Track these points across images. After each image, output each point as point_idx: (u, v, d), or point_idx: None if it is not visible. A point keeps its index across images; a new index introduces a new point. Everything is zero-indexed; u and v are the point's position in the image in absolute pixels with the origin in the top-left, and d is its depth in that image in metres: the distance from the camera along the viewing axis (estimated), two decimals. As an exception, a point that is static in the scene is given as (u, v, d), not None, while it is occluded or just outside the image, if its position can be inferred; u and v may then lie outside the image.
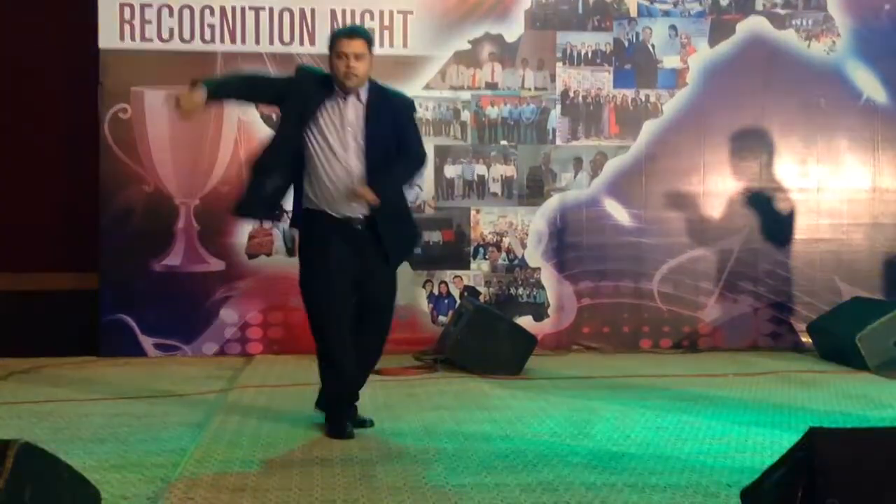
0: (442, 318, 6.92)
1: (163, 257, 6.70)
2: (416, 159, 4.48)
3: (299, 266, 4.42)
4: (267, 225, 6.74)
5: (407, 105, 4.53)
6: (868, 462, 2.54)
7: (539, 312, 7.08)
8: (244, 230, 6.74)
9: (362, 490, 3.55)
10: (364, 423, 4.51)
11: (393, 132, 4.36)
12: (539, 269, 7.10)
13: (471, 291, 7.01)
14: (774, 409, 4.99)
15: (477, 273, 7.05)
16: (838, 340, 6.43)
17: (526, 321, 6.87)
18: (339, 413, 4.45)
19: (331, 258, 4.30)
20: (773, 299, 7.19)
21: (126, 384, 5.70)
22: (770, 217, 7.22)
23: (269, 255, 6.79)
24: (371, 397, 5.05)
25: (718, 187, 7.19)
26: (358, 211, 4.32)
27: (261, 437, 4.36)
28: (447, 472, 3.80)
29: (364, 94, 4.34)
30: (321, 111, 4.30)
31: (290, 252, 5.86)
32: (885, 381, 5.80)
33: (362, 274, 4.36)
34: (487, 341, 6.10)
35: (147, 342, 6.67)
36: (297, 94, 4.33)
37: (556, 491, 3.55)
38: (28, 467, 2.41)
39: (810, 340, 6.93)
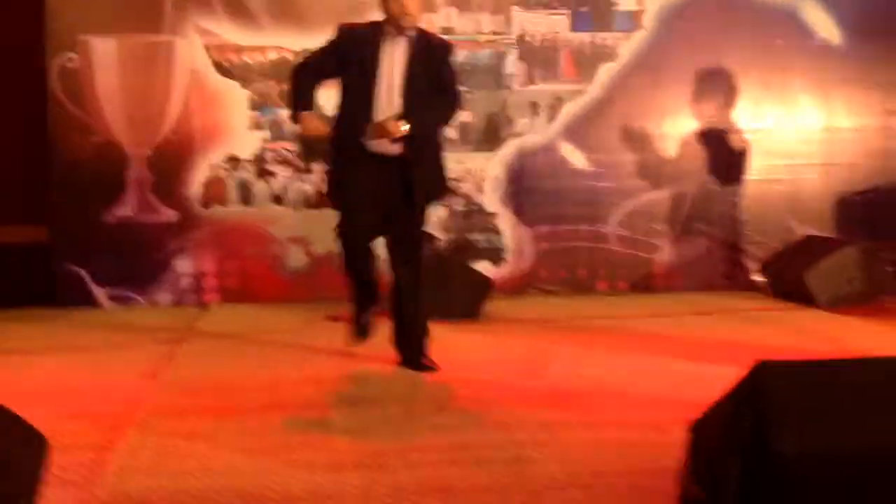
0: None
1: (115, 208, 6.61)
2: (453, 101, 4.60)
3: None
4: (222, 173, 6.67)
5: (446, 48, 4.65)
6: (815, 395, 2.56)
7: (496, 257, 7.08)
8: (198, 180, 6.66)
9: (317, 434, 3.56)
10: (431, 367, 4.58)
11: (432, 74, 4.51)
12: (496, 214, 7.09)
13: (427, 237, 6.98)
14: (726, 346, 5.06)
15: (434, 219, 7.02)
16: (790, 278, 6.52)
17: (483, 266, 6.88)
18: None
19: (359, 189, 4.46)
20: (727, 240, 7.25)
21: (80, 335, 5.65)
22: (725, 158, 7.25)
23: (223, 204, 6.72)
24: (328, 343, 5.06)
25: (675, 130, 7.20)
26: (391, 147, 4.43)
27: (216, 384, 4.35)
28: (402, 415, 3.82)
29: (413, 34, 4.50)
30: (380, 54, 4.46)
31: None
32: (835, 317, 5.90)
33: (391, 209, 4.51)
34: (444, 286, 6.09)
35: (101, 293, 6.59)
36: (353, 49, 4.48)
37: (509, 429, 3.58)
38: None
39: (763, 279, 7.01)
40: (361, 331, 4.76)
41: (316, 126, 4.48)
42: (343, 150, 4.52)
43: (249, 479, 3.04)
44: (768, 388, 2.55)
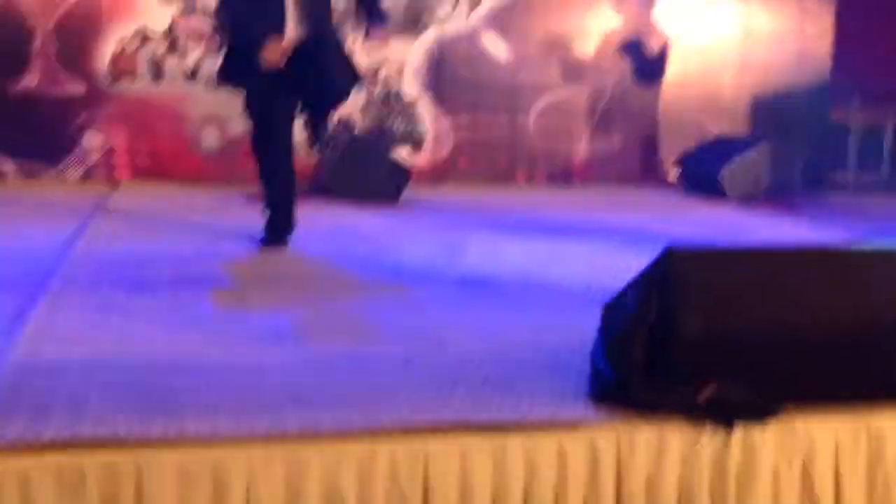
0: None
1: (18, 79, 6.33)
2: None
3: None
4: (131, 48, 6.42)
5: None
6: (722, 280, 2.65)
7: (415, 144, 7.04)
8: (106, 53, 6.41)
9: (233, 309, 3.55)
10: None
11: None
12: (416, 101, 7.02)
13: (347, 123, 6.89)
14: (639, 236, 5.17)
15: (353, 105, 6.91)
16: (703, 174, 6.66)
17: (402, 153, 6.83)
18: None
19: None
20: (643, 136, 7.33)
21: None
22: (644, 57, 7.28)
23: (132, 79, 6.48)
24: (246, 223, 5.00)
25: (596, 26, 7.17)
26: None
27: (130, 259, 4.28)
28: (318, 293, 3.83)
29: None
30: None
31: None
32: (745, 213, 6.08)
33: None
34: (362, 171, 6.06)
35: (7, 166, 6.36)
36: None
37: (426, 309, 3.62)
38: None
39: (677, 175, 7.14)
40: (277, 238, 4.62)
41: (277, 60, 4.34)
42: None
43: (165, 351, 3.01)
44: (675, 272, 2.63)
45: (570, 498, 2.56)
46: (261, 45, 4.32)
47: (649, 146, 7.38)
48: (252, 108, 4.51)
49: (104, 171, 6.50)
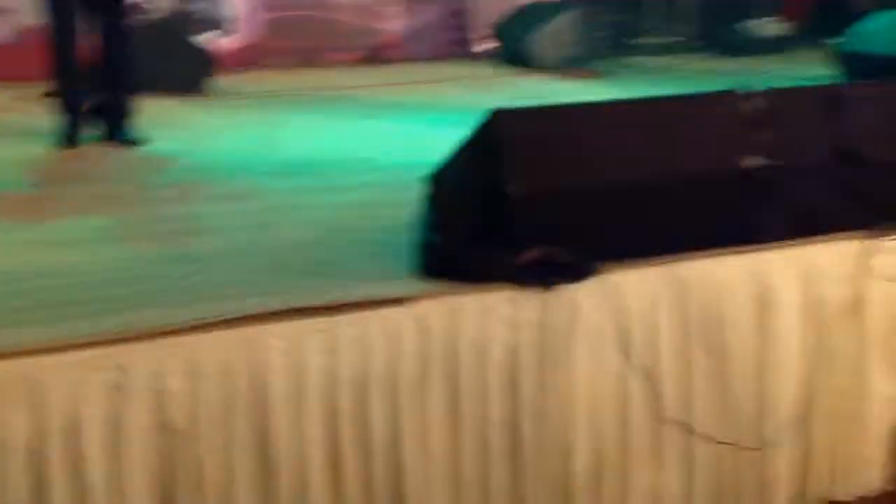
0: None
1: None
2: None
3: None
4: None
5: None
6: (547, 139, 2.69)
7: (221, 28, 6.74)
8: None
9: (34, 212, 3.37)
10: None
11: None
12: (218, -20, 6.69)
13: (141, 7, 6.50)
14: (457, 110, 5.17)
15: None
16: (517, 43, 6.70)
17: (207, 38, 6.53)
18: None
19: None
20: (447, 7, 7.26)
21: None
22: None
23: None
24: (44, 122, 4.69)
25: None
26: None
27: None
28: (130, 190, 3.68)
29: None
30: None
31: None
32: (560, 81, 6.17)
33: None
34: (159, 58, 5.72)
35: None
36: None
37: (245, 199, 3.53)
38: None
39: (491, 48, 7.15)
40: (68, 138, 4.38)
41: None
42: None
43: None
44: (501, 134, 2.65)
45: (401, 371, 2.60)
46: None
47: (463, 17, 7.33)
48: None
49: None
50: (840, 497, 3.05)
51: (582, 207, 2.71)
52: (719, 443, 2.86)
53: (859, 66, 5.25)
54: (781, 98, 2.95)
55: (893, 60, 4.91)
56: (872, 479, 3.10)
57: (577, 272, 2.74)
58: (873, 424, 3.06)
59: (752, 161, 2.85)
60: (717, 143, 2.83)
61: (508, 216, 2.65)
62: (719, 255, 2.83)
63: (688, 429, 2.83)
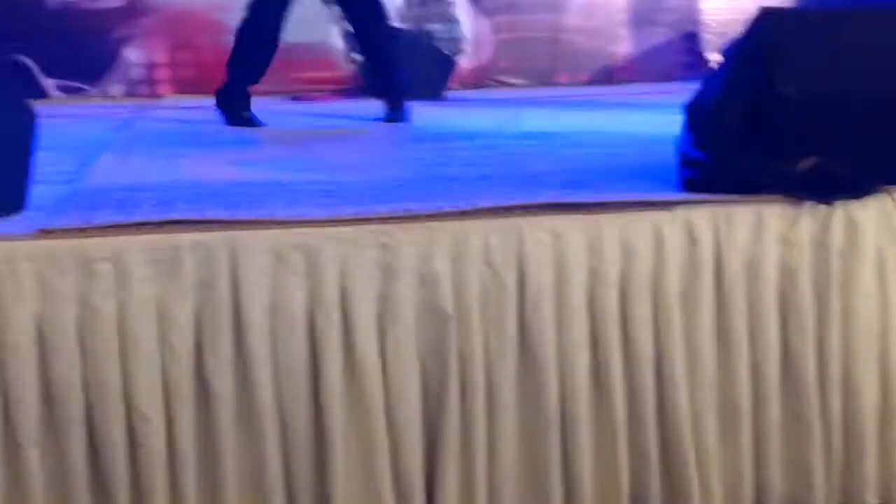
0: (356, 56, 6.71)
1: (56, -7, 6.29)
2: None
3: None
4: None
5: None
6: (822, 43, 2.54)
7: (455, 48, 6.93)
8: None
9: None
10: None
11: None
12: (453, 3, 6.90)
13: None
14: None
15: (390, 8, 6.80)
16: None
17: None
18: None
19: None
20: (679, 30, 7.17)
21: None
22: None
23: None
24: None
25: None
26: None
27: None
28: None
29: None
30: None
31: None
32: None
33: None
34: (406, 64, 5.94)
35: (49, 84, 6.33)
36: None
37: (499, 149, 3.56)
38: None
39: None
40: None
41: None
42: None
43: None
44: (772, 34, 2.52)
45: (668, 281, 2.49)
46: None
47: (693, 42, 7.22)
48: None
49: (146, 86, 6.45)
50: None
51: (862, 117, 2.53)
52: None
53: None
54: None
55: None
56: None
57: (858, 188, 2.55)
58: None
59: None
60: None
61: (779, 121, 2.50)
62: None
63: None
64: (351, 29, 5.04)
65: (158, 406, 2.21)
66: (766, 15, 2.53)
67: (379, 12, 4.83)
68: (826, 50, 2.53)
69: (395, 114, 4.68)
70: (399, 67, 4.83)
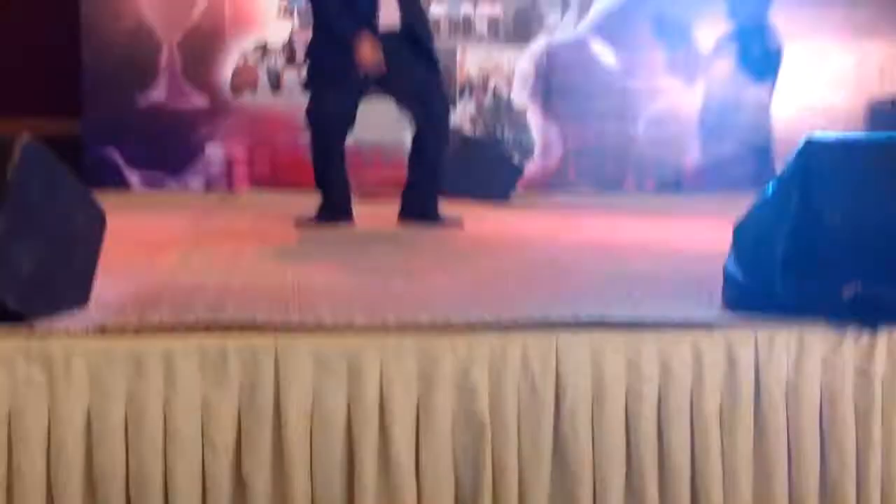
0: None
1: (147, 93, 6.62)
2: None
3: None
4: (251, 61, 6.67)
5: None
6: (864, 170, 2.57)
7: (525, 154, 7.07)
8: (228, 65, 6.66)
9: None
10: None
11: None
12: (525, 111, 7.07)
13: (455, 132, 6.97)
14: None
15: (462, 114, 7.01)
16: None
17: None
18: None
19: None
20: (748, 142, 7.21)
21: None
22: (758, 56, 7.20)
23: (253, 91, 6.71)
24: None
25: (709, 25, 7.14)
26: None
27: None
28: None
29: None
30: None
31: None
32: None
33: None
34: (475, 168, 6.09)
35: (132, 176, 6.63)
36: None
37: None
38: (36, 163, 2.42)
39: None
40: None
41: (374, 58, 4.34)
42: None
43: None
44: (816, 162, 2.56)
45: (707, 401, 2.50)
46: (349, 41, 4.29)
47: (762, 154, 7.25)
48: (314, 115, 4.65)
49: (224, 180, 6.71)
50: None
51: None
52: None
53: None
54: None
55: None
56: None
57: (905, 314, 2.54)
58: None
59: None
60: None
61: (827, 246, 2.53)
62: None
63: None
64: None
65: (196, 501, 2.28)
66: (811, 143, 2.58)
67: (442, 116, 4.90)
68: (869, 177, 2.56)
69: (427, 213, 4.69)
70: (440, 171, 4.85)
